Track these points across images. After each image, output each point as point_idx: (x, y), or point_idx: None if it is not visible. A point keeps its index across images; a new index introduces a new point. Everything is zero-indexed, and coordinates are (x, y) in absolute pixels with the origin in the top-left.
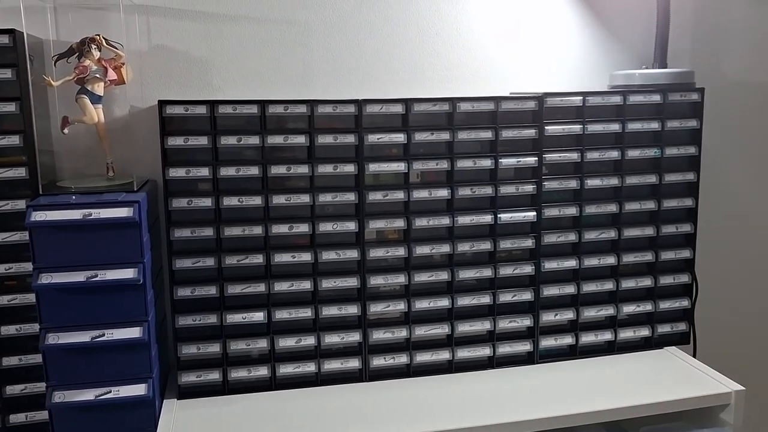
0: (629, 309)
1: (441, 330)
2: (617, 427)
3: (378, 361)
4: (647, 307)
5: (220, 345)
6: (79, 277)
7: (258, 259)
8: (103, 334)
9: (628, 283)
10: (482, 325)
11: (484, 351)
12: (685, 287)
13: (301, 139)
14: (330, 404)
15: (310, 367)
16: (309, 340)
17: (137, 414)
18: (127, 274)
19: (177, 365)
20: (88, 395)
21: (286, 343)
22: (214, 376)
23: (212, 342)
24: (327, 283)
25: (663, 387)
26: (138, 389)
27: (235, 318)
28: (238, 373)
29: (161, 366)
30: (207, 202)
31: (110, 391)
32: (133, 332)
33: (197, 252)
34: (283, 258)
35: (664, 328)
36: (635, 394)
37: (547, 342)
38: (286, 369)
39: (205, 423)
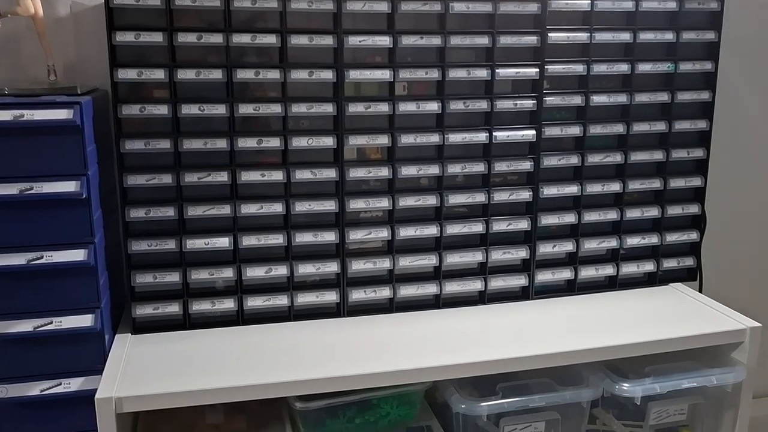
0: (633, 241)
1: (428, 261)
2: (619, 369)
3: (357, 295)
4: (653, 239)
5: (179, 274)
6: (10, 189)
7: (222, 177)
8: (41, 257)
9: (633, 213)
10: (473, 257)
11: (475, 285)
12: (695, 219)
13: (271, 39)
14: (303, 342)
15: (281, 300)
16: (280, 270)
17: (83, 349)
18: (68, 187)
19: (131, 296)
20: (25, 326)
21: (255, 272)
22: (173, 308)
23: (170, 270)
24: (301, 206)
25: (670, 324)
26: (83, 320)
27: (196, 243)
28: (201, 306)
29: (113, 299)
30: (163, 110)
31: (51, 322)
32: (77, 254)
33: (152, 168)
34: (250, 176)
35: (669, 263)
36: (639, 330)
37: (544, 276)
38: (254, 302)
39: (162, 359)
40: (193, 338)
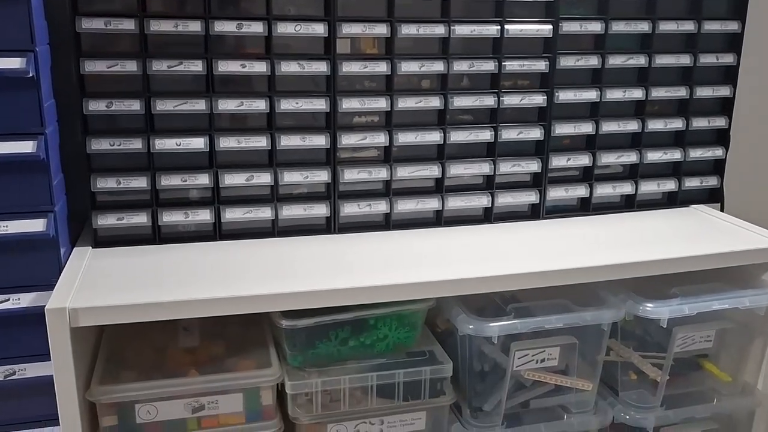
0: (654, 156)
1: (429, 172)
2: (642, 293)
3: (350, 209)
4: (675, 155)
5: (147, 179)
6: None
7: (196, 66)
8: None
9: (655, 125)
10: (479, 168)
11: (481, 201)
12: (720, 134)
13: None
14: (289, 257)
15: (264, 213)
16: (263, 178)
17: (35, 260)
18: (12, 63)
19: (92, 205)
20: None
21: (234, 180)
22: (141, 219)
23: (137, 175)
24: (287, 104)
25: (695, 242)
26: (34, 225)
27: (166, 144)
28: (172, 217)
29: (72, 210)
30: None
31: None
32: (24, 146)
33: (114, 54)
34: (229, 67)
35: (692, 182)
36: (662, 248)
37: (556, 193)
38: (233, 214)
39: (127, 271)
40: (162, 252)
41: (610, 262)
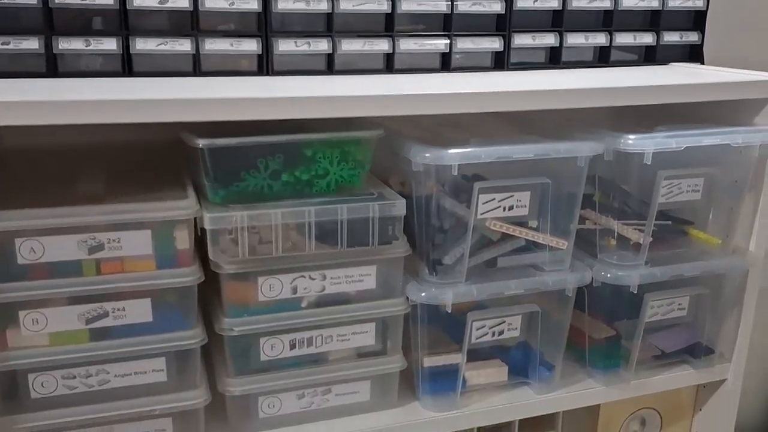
0: (630, 2)
1: (377, 5)
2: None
3: (286, 46)
4: (653, 2)
5: None
6: None
7: None
8: None
9: None
10: (435, 6)
11: (437, 45)
12: None
13: None
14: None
15: (183, 46)
16: (180, 1)
17: None
18: None
19: None
20: None
21: (146, 1)
22: (32, 45)
23: None
24: None
25: (680, 84)
26: None
27: None
28: (70, 45)
29: None
30: None
31: None
32: None
33: None
34: None
35: (671, 37)
36: (643, 82)
37: (523, 40)
38: (145, 45)
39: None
40: (59, 84)
41: (585, 86)
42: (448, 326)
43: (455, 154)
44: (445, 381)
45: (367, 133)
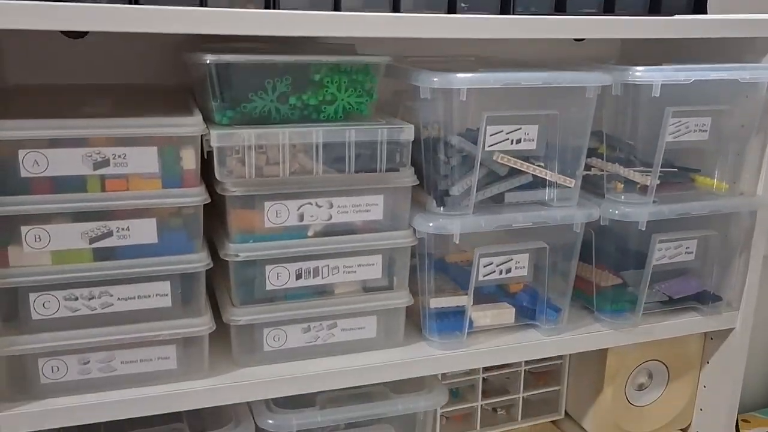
0: None
1: None
2: None
3: None
4: None
5: None
6: None
7: None
8: None
9: None
10: None
11: None
12: None
13: None
14: None
15: None
16: None
17: None
18: None
19: None
20: None
21: None
22: None
23: None
24: None
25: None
26: None
27: None
28: None
29: None
30: None
31: None
32: None
33: None
34: None
35: None
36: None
37: None
38: None
39: None
40: None
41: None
42: (454, 273)
43: (463, 78)
44: (451, 321)
45: (374, 58)
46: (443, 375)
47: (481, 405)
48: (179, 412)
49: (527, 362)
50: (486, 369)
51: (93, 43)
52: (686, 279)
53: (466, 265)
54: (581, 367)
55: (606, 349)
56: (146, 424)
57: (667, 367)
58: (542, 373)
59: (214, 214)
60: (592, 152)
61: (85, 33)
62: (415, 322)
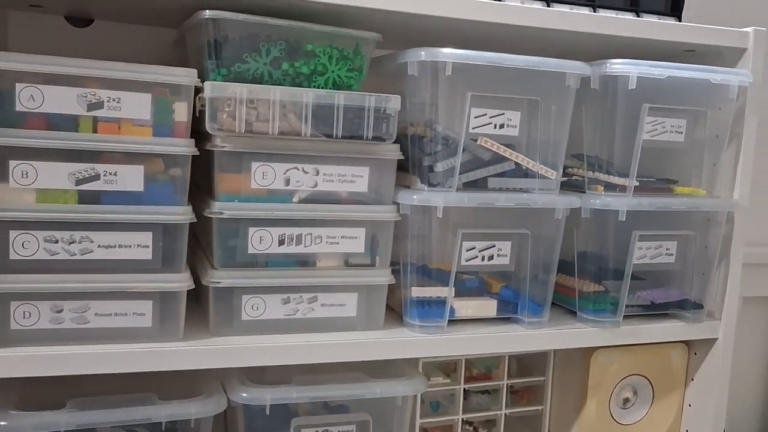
0: None
1: None
2: None
3: None
4: None
5: None
6: None
7: None
8: None
9: None
10: None
11: None
12: None
13: None
14: None
15: None
16: None
17: None
18: None
19: None
20: None
21: None
22: None
23: None
24: None
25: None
26: None
27: None
28: None
29: None
30: None
31: None
32: None
33: None
34: None
35: None
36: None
37: None
38: None
39: None
40: None
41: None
42: (437, 276)
43: (449, 53)
44: (433, 309)
45: (364, 33)
46: None
47: (462, 418)
48: (148, 383)
49: (509, 376)
50: (467, 379)
51: (97, 31)
52: (668, 289)
53: (449, 269)
54: (564, 383)
55: (588, 361)
56: (113, 390)
57: (651, 383)
58: (525, 390)
59: (201, 176)
60: (572, 164)
61: (91, 21)
62: (396, 314)
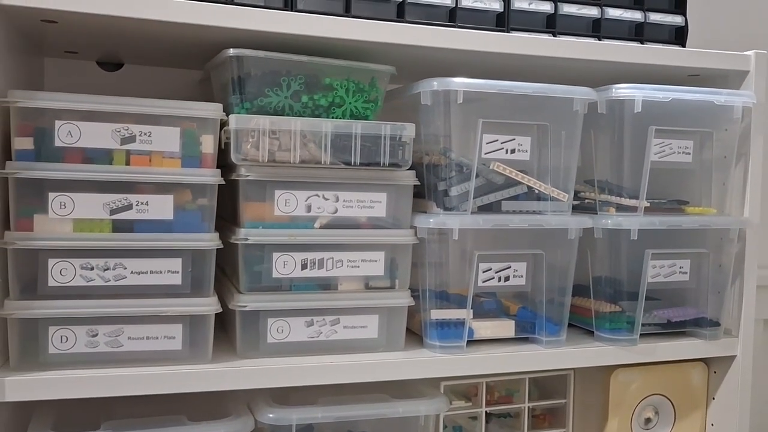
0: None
1: None
2: None
3: None
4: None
5: None
6: None
7: None
8: None
9: None
10: None
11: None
12: None
13: None
14: None
15: None
16: None
17: None
18: None
19: None
20: None
21: None
22: None
23: None
24: None
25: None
26: None
27: None
28: None
29: None
30: None
31: None
32: None
33: None
34: None
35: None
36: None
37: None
38: None
39: None
40: None
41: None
42: (455, 300)
43: (460, 82)
44: (452, 330)
45: (379, 66)
46: None
47: None
48: (177, 405)
49: (530, 398)
50: (489, 403)
51: (127, 75)
52: (684, 307)
53: (467, 294)
54: (585, 405)
55: (608, 381)
56: (144, 413)
57: (672, 403)
58: (546, 414)
59: (227, 205)
60: (584, 189)
61: (121, 65)
62: (417, 336)
